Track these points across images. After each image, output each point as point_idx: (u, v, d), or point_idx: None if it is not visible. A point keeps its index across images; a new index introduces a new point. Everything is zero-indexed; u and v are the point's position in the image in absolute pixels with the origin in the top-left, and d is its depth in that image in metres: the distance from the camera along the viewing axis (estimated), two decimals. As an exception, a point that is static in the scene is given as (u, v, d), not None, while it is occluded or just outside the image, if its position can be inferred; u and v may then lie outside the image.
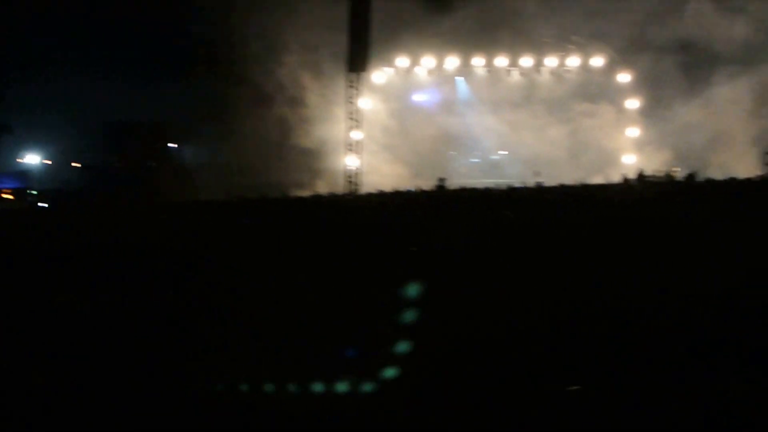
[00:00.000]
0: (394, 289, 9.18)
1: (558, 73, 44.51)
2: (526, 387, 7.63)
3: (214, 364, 8.22)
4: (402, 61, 43.61)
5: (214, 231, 16.66)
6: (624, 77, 43.91)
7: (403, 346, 8.04)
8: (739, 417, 6.67)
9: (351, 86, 40.18)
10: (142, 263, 12.05)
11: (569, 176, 34.60)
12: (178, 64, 41.87)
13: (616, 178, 37.32)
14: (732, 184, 25.99)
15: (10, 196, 42.34)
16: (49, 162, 46.76)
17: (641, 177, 36.86)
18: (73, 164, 46.25)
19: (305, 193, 33.27)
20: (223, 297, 10.03)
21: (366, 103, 41.72)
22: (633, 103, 43.75)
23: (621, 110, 43.93)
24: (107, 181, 42.31)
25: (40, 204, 41.32)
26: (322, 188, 36.36)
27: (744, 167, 38.44)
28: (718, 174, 34.21)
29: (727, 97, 40.60)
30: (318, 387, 7.83)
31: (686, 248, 10.99)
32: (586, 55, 44.08)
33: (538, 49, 43.85)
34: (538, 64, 44.32)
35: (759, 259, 10.17)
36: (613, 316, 8.78)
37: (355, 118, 40.48)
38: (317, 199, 28.60)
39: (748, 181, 27.76)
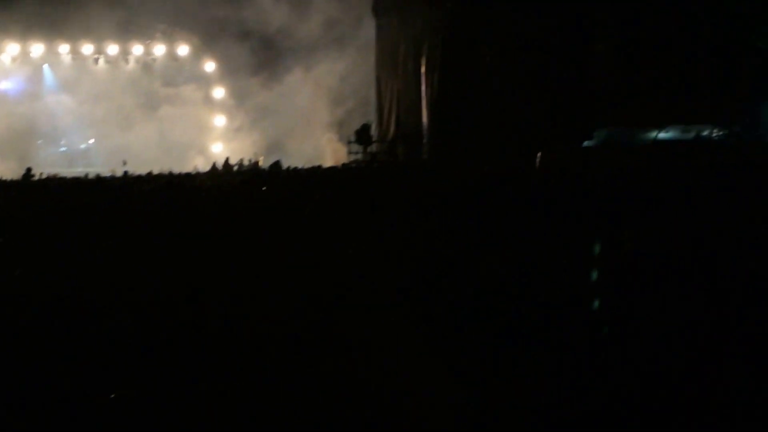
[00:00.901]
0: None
1: (145, 62, 44.62)
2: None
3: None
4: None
5: None
6: (210, 66, 44.68)
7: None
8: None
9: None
10: None
11: (158, 166, 34.97)
12: None
13: (205, 167, 38.07)
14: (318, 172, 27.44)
15: None
16: None
17: (227, 165, 38.01)
18: None
19: None
20: None
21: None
22: (219, 92, 44.64)
23: (208, 99, 44.77)
24: None
25: None
26: None
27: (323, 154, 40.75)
28: (299, 161, 35.98)
29: (306, 86, 42.50)
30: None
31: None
32: (172, 43, 44.52)
33: (125, 36, 43.76)
34: (125, 52, 44.25)
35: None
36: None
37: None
38: None
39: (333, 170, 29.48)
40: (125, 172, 32.00)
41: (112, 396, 6.43)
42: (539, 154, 25.35)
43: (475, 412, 6.20)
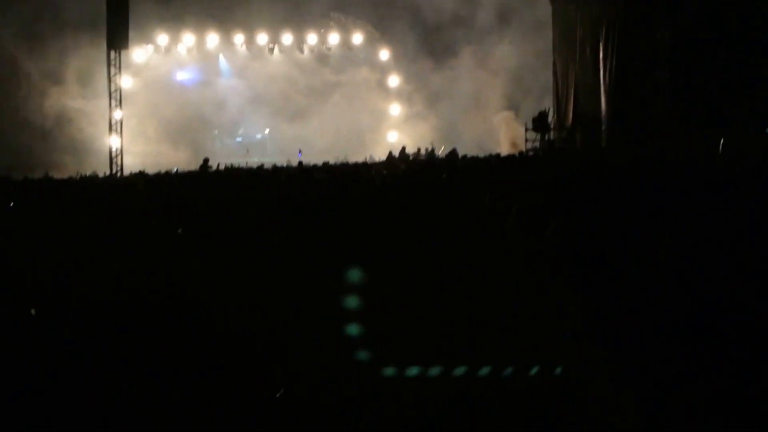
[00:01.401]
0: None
1: (319, 50, 44.70)
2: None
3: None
4: (162, 38, 42.93)
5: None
6: (384, 53, 44.43)
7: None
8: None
9: (112, 64, 39.01)
10: None
11: (333, 155, 34.99)
12: None
13: (381, 156, 37.94)
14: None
15: None
16: None
17: (403, 154, 37.66)
18: None
19: (66, 174, 32.03)
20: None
21: (127, 81, 40.69)
22: (394, 80, 44.33)
23: (382, 86, 44.54)
24: None
25: None
26: (85, 170, 35.16)
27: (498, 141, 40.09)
28: (474, 149, 35.44)
29: (480, 72, 41.94)
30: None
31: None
32: (346, 31, 44.45)
33: (299, 25, 43.95)
34: (300, 41, 44.39)
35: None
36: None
37: (116, 97, 39.34)
38: (84, 181, 27.66)
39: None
40: (300, 162, 31.92)
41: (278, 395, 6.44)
42: (722, 140, 24.17)
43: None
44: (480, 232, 10.25)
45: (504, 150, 36.02)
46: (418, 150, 39.20)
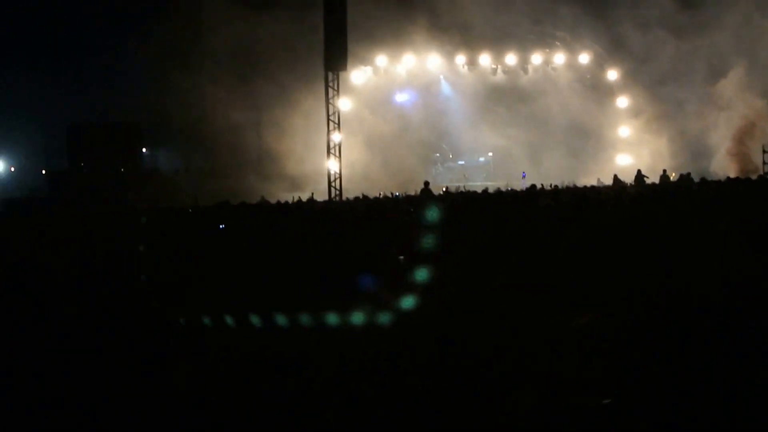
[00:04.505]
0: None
1: (544, 71, 43.07)
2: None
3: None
4: (381, 59, 42.06)
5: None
6: (612, 74, 42.71)
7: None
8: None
9: (329, 86, 38.41)
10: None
11: (560, 178, 33.83)
12: (149, 62, 40.33)
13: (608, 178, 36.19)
14: None
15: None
16: (13, 168, 44.99)
17: (639, 178, 35.60)
18: (44, 171, 44.16)
19: (287, 198, 31.62)
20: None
21: (345, 104, 39.97)
22: (622, 101, 42.53)
23: (611, 107, 42.59)
24: (75, 188, 39.41)
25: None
26: (304, 194, 34.73)
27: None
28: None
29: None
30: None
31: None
32: (573, 51, 42.70)
33: (524, 45, 42.53)
34: (524, 62, 42.84)
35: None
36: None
37: (335, 120, 38.68)
38: (306, 205, 26.99)
39: None
40: (533, 185, 30.19)
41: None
42: None
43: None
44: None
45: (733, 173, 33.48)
46: (664, 172, 36.72)
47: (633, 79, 41.95)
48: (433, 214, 7.13)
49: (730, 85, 38.93)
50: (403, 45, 41.33)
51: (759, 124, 38.48)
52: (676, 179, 34.70)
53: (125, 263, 11.87)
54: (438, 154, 45.56)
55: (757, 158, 37.07)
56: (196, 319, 8.61)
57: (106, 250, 13.52)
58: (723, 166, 38.67)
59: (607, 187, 30.96)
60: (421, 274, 8.14)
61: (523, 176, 37.78)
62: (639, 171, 36.27)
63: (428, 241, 7.25)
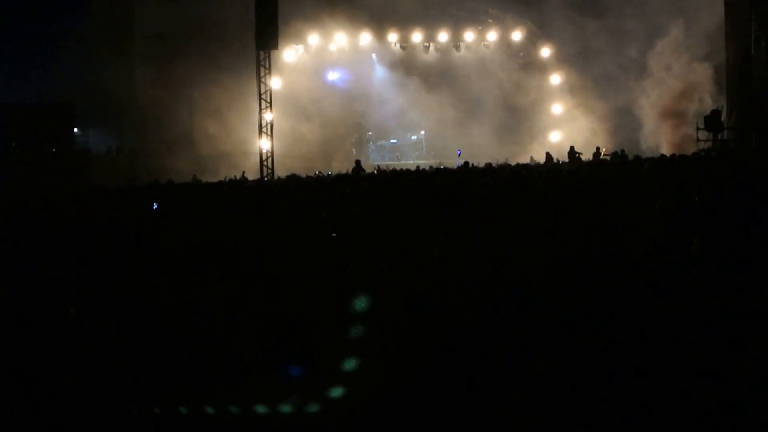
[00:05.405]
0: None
1: (476, 49, 43.08)
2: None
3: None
4: (313, 38, 41.79)
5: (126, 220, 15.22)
6: (545, 51, 42.69)
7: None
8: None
9: (261, 65, 38.10)
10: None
11: (491, 156, 33.87)
12: (78, 41, 39.72)
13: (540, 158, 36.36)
14: None
15: None
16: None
17: (572, 154, 35.79)
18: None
19: (217, 178, 31.30)
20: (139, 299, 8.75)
21: (277, 82, 39.67)
22: (555, 78, 42.47)
23: (544, 85, 42.71)
24: (6, 169, 38.47)
25: None
26: (234, 173, 34.50)
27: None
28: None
29: (644, 69, 40.09)
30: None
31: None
32: (506, 29, 42.75)
33: (456, 23, 42.51)
34: (456, 39, 42.82)
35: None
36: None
37: (266, 98, 38.37)
38: (234, 185, 26.72)
39: None
40: (466, 163, 30.12)
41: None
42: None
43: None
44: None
45: (667, 151, 33.70)
46: (597, 149, 36.93)
47: (565, 55, 41.95)
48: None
49: (668, 47, 39.13)
50: (336, 23, 41.10)
51: (699, 87, 38.74)
52: (607, 157, 34.96)
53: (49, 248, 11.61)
54: (370, 133, 45.46)
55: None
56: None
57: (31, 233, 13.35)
58: (655, 130, 39.02)
59: (539, 165, 31.09)
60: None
61: (458, 154, 37.69)
62: (572, 147, 36.42)
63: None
